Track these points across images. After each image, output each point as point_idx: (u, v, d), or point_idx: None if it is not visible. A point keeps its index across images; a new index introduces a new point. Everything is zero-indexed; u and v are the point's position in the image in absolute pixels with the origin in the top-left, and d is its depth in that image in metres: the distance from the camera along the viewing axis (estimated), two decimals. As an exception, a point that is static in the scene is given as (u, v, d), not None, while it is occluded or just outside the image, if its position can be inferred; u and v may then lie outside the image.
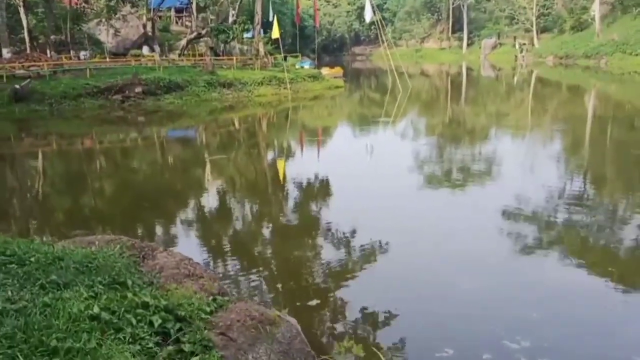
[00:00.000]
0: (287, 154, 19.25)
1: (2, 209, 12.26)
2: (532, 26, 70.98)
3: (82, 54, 42.23)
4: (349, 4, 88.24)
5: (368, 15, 40.54)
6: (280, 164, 17.24)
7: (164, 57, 38.63)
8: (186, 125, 26.19)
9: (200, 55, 41.40)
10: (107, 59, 38.50)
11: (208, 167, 16.84)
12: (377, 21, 43.62)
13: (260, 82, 34.00)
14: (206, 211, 12.08)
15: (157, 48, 41.08)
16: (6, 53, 32.58)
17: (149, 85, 29.73)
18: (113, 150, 20.13)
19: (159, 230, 10.69)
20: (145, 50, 51.74)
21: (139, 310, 4.06)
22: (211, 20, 47.85)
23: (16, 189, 14.81)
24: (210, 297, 4.90)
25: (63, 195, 13.72)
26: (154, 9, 57.77)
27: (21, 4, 35.90)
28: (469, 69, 63.88)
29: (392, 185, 13.27)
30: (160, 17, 59.32)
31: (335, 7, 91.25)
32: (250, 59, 38.50)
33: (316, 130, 23.92)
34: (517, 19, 74.23)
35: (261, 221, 11.31)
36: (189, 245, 9.36)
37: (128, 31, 53.44)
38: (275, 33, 33.44)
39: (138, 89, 29.32)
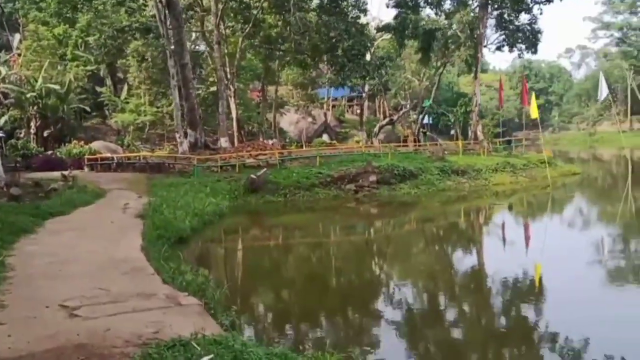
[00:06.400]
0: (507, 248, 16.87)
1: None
2: None
3: (269, 141, 41.20)
4: (511, 88, 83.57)
5: (604, 92, 35.25)
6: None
7: (369, 143, 35.92)
8: (415, 218, 22.82)
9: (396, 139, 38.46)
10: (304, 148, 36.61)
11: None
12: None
13: (495, 168, 29.65)
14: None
15: (362, 134, 38.65)
16: (224, 142, 31.36)
17: (382, 174, 26.33)
18: (329, 247, 17.67)
19: None
20: (325, 137, 50.70)
21: None
22: (403, 105, 45.48)
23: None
24: None
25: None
26: (329, 99, 57.30)
27: (232, 94, 35.52)
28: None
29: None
30: (334, 106, 59.29)
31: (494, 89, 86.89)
32: (469, 143, 34.66)
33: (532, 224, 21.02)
34: None
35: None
36: None
37: (310, 120, 52.68)
38: (535, 113, 29.23)
39: (372, 178, 25.98)
